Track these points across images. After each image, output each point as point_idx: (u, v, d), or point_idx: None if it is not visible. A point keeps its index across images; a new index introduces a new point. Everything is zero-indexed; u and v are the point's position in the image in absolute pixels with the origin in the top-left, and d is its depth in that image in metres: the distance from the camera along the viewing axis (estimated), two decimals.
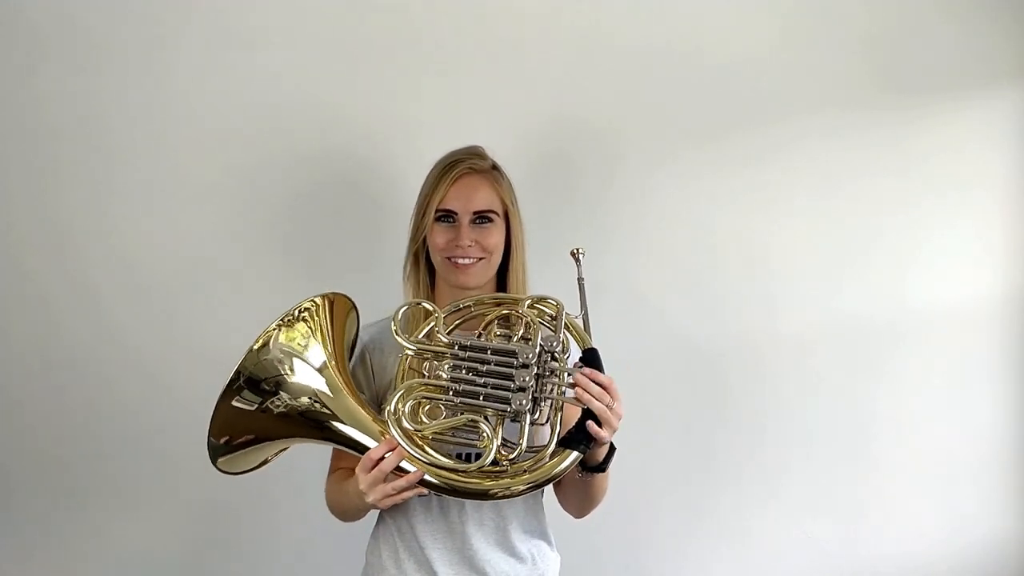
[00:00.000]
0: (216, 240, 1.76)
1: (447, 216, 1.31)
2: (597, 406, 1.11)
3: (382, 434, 1.16)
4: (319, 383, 1.17)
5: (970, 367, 2.03)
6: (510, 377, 1.13)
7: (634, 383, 1.81)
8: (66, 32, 1.71)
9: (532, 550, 1.30)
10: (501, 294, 1.28)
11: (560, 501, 1.36)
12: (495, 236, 1.32)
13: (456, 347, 1.16)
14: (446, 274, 1.32)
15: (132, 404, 1.73)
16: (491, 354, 1.15)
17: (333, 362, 1.19)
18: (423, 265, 1.36)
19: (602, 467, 1.20)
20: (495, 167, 1.37)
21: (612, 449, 1.21)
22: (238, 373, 1.14)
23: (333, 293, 1.25)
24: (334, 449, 1.32)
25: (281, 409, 1.16)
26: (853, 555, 2.00)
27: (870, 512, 2.00)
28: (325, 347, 1.19)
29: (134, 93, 1.73)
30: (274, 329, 1.16)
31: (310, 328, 1.18)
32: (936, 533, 2.04)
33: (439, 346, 1.17)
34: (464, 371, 1.15)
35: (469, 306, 1.26)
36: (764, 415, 1.95)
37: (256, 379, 1.16)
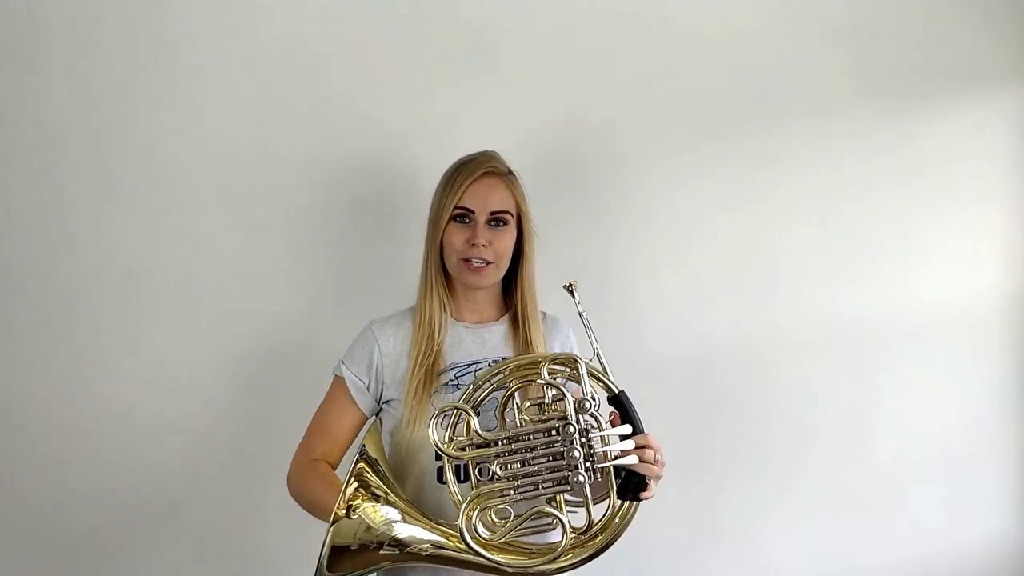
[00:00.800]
0: (228, 244, 1.71)
1: (463, 216, 1.34)
2: (655, 472, 1.17)
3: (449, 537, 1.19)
4: (423, 534, 1.20)
5: (971, 367, 2.08)
6: (560, 455, 1.16)
7: (636, 383, 1.84)
8: (74, 33, 1.64)
9: None
10: (519, 360, 1.25)
11: None
12: (507, 239, 1.36)
13: (500, 442, 1.17)
14: (460, 275, 1.36)
15: (137, 415, 1.69)
16: (534, 437, 1.17)
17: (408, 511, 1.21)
18: (437, 267, 1.38)
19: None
20: (511, 172, 1.40)
21: None
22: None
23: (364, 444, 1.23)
24: (314, 421, 1.38)
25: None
26: (853, 555, 2.03)
27: (870, 512, 2.03)
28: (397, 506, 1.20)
29: (143, 96, 1.67)
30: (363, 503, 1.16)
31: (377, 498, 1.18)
32: (936, 533, 2.07)
33: (482, 445, 1.18)
34: (516, 463, 1.17)
35: (486, 382, 1.25)
36: (765, 415, 1.98)
37: (382, 541, 1.17)
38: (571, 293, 1.33)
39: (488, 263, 1.33)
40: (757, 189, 1.95)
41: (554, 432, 1.17)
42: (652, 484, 1.19)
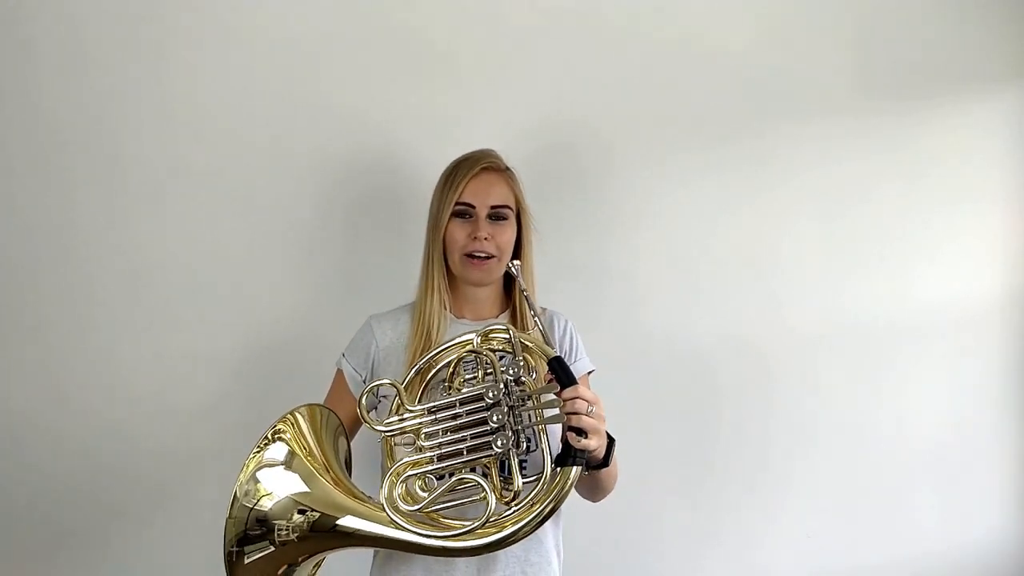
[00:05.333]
0: (230, 241, 1.71)
1: (464, 212, 1.34)
2: (588, 423, 1.10)
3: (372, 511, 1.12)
4: (290, 483, 1.13)
5: (971, 368, 2.06)
6: (484, 421, 1.13)
7: (636, 384, 1.88)
8: (74, 33, 1.65)
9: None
10: (451, 341, 1.26)
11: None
12: (508, 233, 1.36)
13: (424, 414, 1.16)
14: (463, 271, 1.35)
15: (144, 417, 1.67)
16: (460, 406, 1.15)
17: (300, 451, 1.15)
18: (439, 265, 1.37)
19: (605, 462, 1.19)
20: (508, 168, 1.42)
21: (611, 441, 1.19)
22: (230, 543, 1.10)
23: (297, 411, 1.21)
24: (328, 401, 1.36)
25: (292, 536, 1.11)
26: (853, 555, 2.00)
27: (870, 512, 2.00)
28: (287, 444, 1.15)
29: (143, 95, 1.68)
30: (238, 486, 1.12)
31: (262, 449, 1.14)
32: (936, 533, 2.04)
33: (409, 419, 1.17)
34: (441, 433, 1.14)
35: (428, 366, 1.25)
36: (765, 415, 1.95)
37: (247, 534, 1.10)
38: (512, 274, 1.33)
39: (490, 256, 1.33)
40: (757, 188, 1.94)
41: (479, 399, 1.14)
42: (591, 439, 1.11)
